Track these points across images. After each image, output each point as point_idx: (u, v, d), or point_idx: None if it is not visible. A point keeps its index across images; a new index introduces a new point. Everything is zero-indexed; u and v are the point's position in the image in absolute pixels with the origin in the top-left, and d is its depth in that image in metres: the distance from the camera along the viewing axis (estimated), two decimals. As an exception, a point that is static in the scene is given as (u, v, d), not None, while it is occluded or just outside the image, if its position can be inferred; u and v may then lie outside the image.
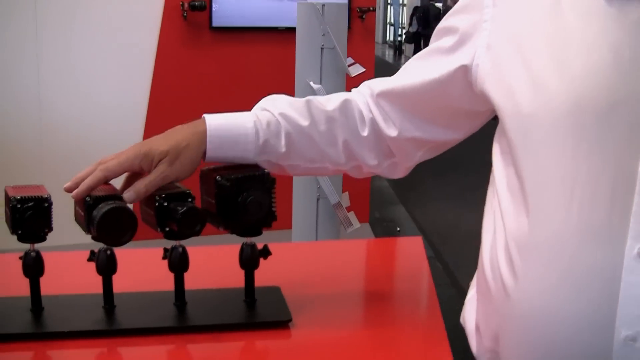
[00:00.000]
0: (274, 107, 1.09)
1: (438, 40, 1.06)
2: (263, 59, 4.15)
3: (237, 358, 1.05)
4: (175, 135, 1.04)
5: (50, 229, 1.04)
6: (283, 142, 1.08)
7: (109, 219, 0.99)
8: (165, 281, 1.11)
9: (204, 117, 1.07)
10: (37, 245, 1.05)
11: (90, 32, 3.83)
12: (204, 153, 1.06)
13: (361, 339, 1.08)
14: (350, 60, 2.92)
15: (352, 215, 2.85)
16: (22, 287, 1.07)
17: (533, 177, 0.92)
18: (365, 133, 1.10)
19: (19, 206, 1.01)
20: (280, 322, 1.08)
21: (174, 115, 4.02)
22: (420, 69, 1.08)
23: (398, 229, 5.05)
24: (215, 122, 1.06)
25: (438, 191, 5.95)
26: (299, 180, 2.90)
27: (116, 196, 1.03)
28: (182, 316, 1.10)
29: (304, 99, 1.10)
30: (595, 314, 0.87)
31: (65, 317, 1.07)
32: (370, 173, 1.15)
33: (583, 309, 0.87)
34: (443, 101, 1.06)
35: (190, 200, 1.05)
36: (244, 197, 1.04)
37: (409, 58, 1.18)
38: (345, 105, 1.10)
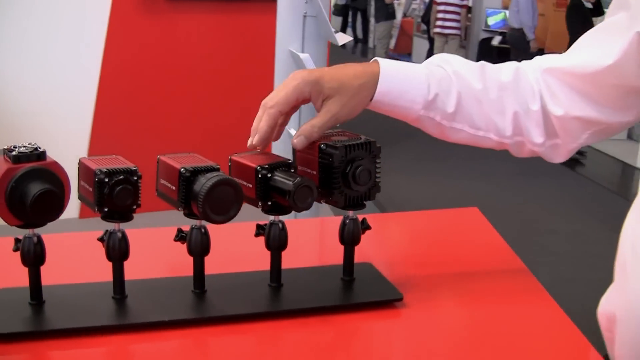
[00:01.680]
0: (448, 64, 1.03)
1: (612, 16, 0.99)
2: (220, 29, 4.00)
3: (351, 342, 0.95)
4: (346, 72, 0.97)
5: (139, 206, 0.91)
6: (453, 101, 1.01)
7: (217, 192, 0.87)
8: (185, 265, 0.99)
9: (376, 59, 0.99)
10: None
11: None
12: (372, 96, 0.98)
13: (477, 316, 1.00)
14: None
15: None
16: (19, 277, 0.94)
17: None
18: (535, 107, 1.03)
19: (106, 180, 0.88)
20: (391, 301, 0.99)
21: (126, 84, 3.85)
22: (592, 47, 1.00)
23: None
24: (389, 66, 0.99)
25: (393, 161, 5.94)
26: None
27: (213, 167, 0.91)
28: (273, 299, 0.99)
29: (478, 63, 1.04)
30: None
31: (70, 311, 0.92)
32: (530, 152, 1.07)
33: None
34: (616, 80, 0.99)
35: (292, 170, 0.95)
36: (354, 166, 0.94)
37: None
38: (518, 76, 1.04)
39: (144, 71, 3.84)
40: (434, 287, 1.06)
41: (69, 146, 3.36)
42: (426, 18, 10.26)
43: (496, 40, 9.47)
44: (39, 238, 0.90)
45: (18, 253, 0.90)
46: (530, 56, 1.39)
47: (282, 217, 1.00)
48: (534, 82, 1.04)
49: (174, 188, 0.92)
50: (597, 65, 0.98)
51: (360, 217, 1.02)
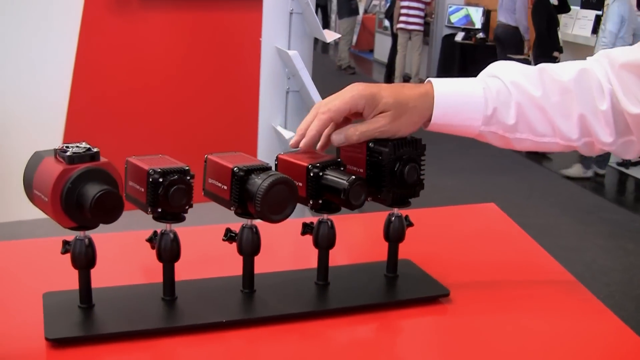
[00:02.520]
0: (504, 74, 1.01)
1: None
2: (203, 26, 3.95)
3: (401, 339, 0.96)
4: (403, 91, 0.97)
5: (191, 206, 0.90)
6: (513, 112, 0.99)
7: (274, 191, 0.87)
8: (228, 264, 0.98)
9: (429, 80, 0.99)
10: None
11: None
12: (429, 118, 0.98)
13: (524, 308, 1.02)
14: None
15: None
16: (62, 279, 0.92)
17: None
18: (604, 107, 1.00)
19: (161, 180, 0.87)
20: (438, 297, 1.00)
21: (100, 83, 3.79)
22: None
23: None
24: (444, 87, 0.98)
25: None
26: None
27: (266, 167, 0.91)
28: (322, 298, 0.99)
29: (536, 67, 1.02)
30: None
31: (121, 314, 0.91)
32: (602, 150, 1.04)
33: None
34: None
35: (342, 168, 0.95)
36: (402, 163, 0.95)
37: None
38: (582, 76, 1.01)
39: (119, 69, 3.77)
40: (474, 283, 1.07)
41: (42, 145, 3.29)
42: (389, 14, 10.31)
43: (459, 37, 9.57)
44: (90, 240, 0.89)
45: (57, 256, 0.88)
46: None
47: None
48: (604, 80, 1.01)
49: (225, 187, 0.91)
50: None
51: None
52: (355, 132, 0.95)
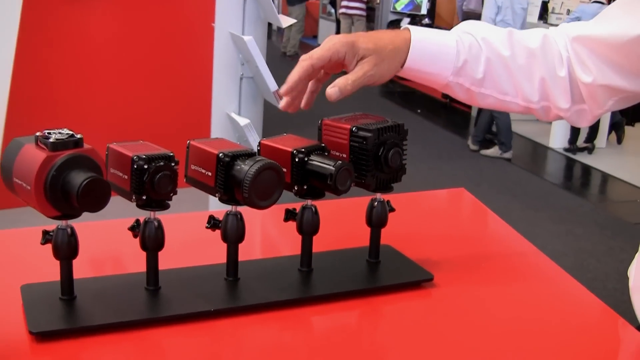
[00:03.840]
0: (477, 31, 1.06)
1: None
2: (153, 11, 3.89)
3: (388, 324, 0.97)
4: (381, 36, 1.00)
5: (176, 193, 0.90)
6: (482, 67, 1.05)
7: (262, 177, 0.88)
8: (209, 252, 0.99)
9: (407, 27, 1.03)
10: None
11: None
12: (402, 63, 1.01)
13: (506, 294, 1.05)
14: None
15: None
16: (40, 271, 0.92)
17: None
18: (562, 73, 1.07)
19: (146, 167, 0.86)
20: (422, 281, 1.03)
21: (43, 72, 3.70)
22: (622, 17, 1.03)
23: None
24: (420, 33, 1.03)
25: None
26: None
27: (251, 152, 0.92)
28: (307, 284, 1.00)
29: (505, 30, 1.08)
30: None
31: (105, 305, 0.90)
32: (557, 117, 1.11)
33: None
34: None
35: (326, 153, 0.97)
36: (386, 148, 0.96)
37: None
38: (545, 43, 1.07)
39: (63, 58, 3.69)
40: (456, 266, 1.10)
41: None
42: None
43: (404, 22, 9.65)
44: (73, 229, 0.88)
45: (33, 247, 0.87)
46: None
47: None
48: (563, 49, 1.07)
49: (209, 174, 0.91)
50: (627, 35, 1.01)
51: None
52: (347, 82, 0.97)
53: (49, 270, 0.91)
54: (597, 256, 4.15)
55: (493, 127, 6.46)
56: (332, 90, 0.97)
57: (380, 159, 0.97)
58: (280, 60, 10.76)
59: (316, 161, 0.93)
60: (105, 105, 3.83)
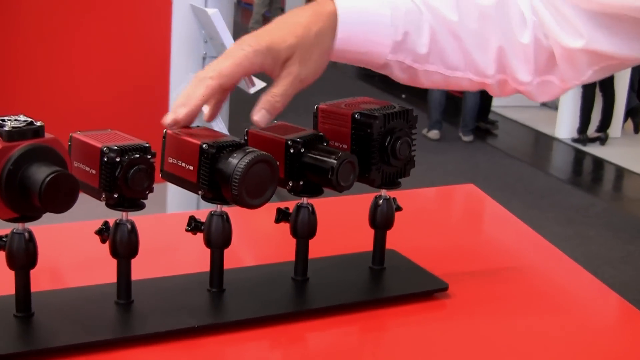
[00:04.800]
0: None
1: None
2: None
3: (394, 344, 0.98)
4: (298, 21, 0.93)
5: (152, 191, 0.90)
6: (426, 39, 0.99)
7: (253, 171, 0.88)
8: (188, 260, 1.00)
9: None
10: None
11: None
12: (332, 46, 0.95)
13: (533, 306, 1.06)
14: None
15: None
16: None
17: None
18: (525, 39, 1.01)
19: (118, 159, 0.86)
20: (435, 291, 1.04)
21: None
22: None
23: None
24: (346, 4, 0.95)
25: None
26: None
27: (239, 142, 0.92)
28: (302, 296, 1.01)
29: None
30: None
31: (67, 322, 0.89)
32: (514, 91, 1.06)
33: None
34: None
35: (325, 143, 0.97)
36: (394, 137, 0.97)
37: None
38: (503, 1, 1.01)
39: (14, 35, 3.66)
40: (473, 273, 1.11)
41: None
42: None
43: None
44: (31, 234, 0.87)
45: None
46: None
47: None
48: (527, 11, 1.02)
49: (191, 168, 0.91)
50: None
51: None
52: (274, 99, 0.91)
53: (1, 281, 0.90)
54: (612, 263, 4.21)
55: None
56: (260, 115, 0.91)
57: (387, 150, 0.97)
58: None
59: (314, 153, 0.93)
60: (51, 92, 3.80)
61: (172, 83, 2.89)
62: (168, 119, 0.91)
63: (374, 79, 9.07)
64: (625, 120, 6.98)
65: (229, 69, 0.90)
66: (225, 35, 2.63)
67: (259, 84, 3.01)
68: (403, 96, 8.15)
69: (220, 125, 0.95)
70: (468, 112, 6.50)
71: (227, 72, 0.90)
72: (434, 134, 6.54)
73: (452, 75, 1.03)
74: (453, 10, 1.00)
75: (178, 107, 0.90)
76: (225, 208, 0.94)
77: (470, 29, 1.01)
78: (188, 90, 0.91)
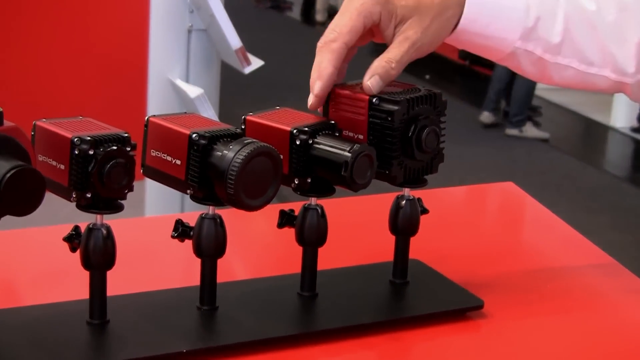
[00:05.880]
0: None
1: None
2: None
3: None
4: None
5: (131, 190, 0.91)
6: (560, 27, 1.03)
7: (253, 165, 0.88)
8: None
9: None
10: None
11: None
12: (455, 25, 1.00)
13: (583, 325, 1.07)
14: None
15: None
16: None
17: None
18: None
19: (91, 152, 0.86)
20: (468, 309, 1.04)
21: None
22: None
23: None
24: None
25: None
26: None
27: (235, 132, 0.92)
28: (309, 315, 1.01)
29: None
30: None
31: (32, 346, 0.90)
32: None
33: None
34: None
35: (337, 134, 0.97)
36: (419, 126, 0.97)
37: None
38: None
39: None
40: (512, 289, 1.11)
41: None
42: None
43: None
44: None
45: None
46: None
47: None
48: None
49: (179, 162, 0.91)
50: None
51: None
52: (389, 64, 0.97)
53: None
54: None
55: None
56: (372, 80, 0.96)
57: (411, 142, 0.97)
58: (251, 10, 10.71)
59: (325, 144, 0.94)
60: (5, 65, 3.82)
61: (151, 60, 2.89)
62: (311, 101, 0.98)
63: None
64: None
65: (348, 25, 0.96)
66: (215, 2, 2.64)
67: (255, 63, 3.03)
68: (427, 77, 8.15)
69: (209, 113, 0.95)
70: (520, 98, 6.38)
71: (348, 29, 0.96)
72: (485, 116, 6.49)
73: (587, 72, 1.06)
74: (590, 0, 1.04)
75: (313, 83, 0.97)
76: (218, 210, 0.95)
77: (607, 20, 1.04)
78: (316, 62, 0.97)
